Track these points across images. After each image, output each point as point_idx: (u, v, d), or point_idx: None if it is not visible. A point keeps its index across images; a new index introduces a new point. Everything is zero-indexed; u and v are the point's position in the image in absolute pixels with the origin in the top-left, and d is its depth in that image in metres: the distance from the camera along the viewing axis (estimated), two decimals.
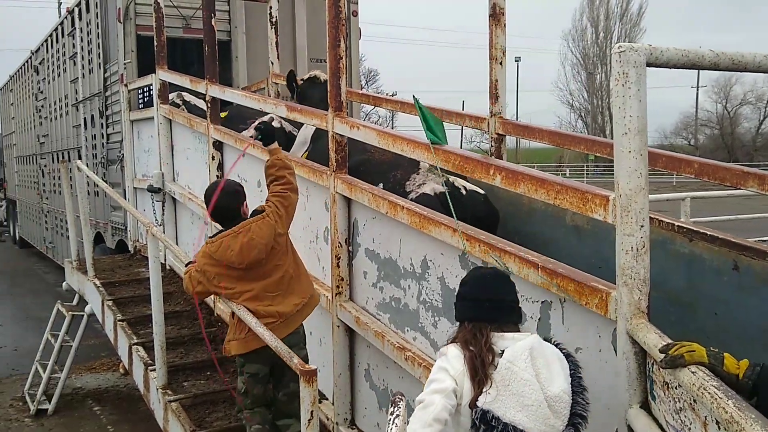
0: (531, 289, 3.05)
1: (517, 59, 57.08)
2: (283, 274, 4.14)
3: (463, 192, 4.46)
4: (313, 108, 5.11)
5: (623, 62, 2.37)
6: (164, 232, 6.98)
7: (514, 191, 3.17)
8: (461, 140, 51.41)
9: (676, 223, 3.89)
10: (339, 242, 4.43)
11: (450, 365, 2.53)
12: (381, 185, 4.63)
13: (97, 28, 9.80)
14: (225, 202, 4.18)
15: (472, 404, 2.44)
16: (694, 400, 2.01)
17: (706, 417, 1.94)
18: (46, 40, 13.53)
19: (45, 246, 15.50)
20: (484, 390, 2.43)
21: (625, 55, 2.37)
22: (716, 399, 1.85)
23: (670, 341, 2.24)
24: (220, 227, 4.25)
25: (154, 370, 5.43)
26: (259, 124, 4.62)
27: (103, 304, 6.90)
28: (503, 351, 2.51)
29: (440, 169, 3.64)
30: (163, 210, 7.58)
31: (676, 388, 2.17)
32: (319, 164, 4.81)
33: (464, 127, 6.10)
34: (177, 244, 7.26)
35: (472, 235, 3.34)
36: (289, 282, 4.16)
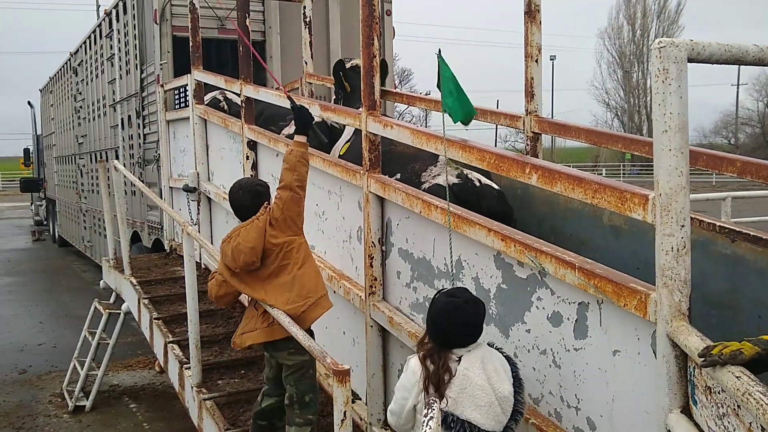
0: (568, 290, 3.00)
1: (552, 58, 56.60)
2: (290, 273, 4.09)
3: (477, 184, 4.48)
4: (347, 107, 5.10)
5: (663, 58, 2.31)
6: (199, 232, 7.03)
7: (549, 191, 3.13)
8: (495, 139, 51.15)
9: (718, 223, 3.80)
10: (372, 242, 4.41)
11: (407, 381, 3.04)
12: (399, 175, 4.77)
13: (134, 29, 9.93)
14: (244, 200, 4.25)
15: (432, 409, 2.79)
16: (738, 406, 1.95)
17: (751, 424, 1.88)
18: (85, 42, 13.74)
19: (83, 245, 15.74)
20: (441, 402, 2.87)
21: (665, 50, 2.30)
22: (762, 405, 1.79)
23: (711, 343, 2.18)
24: None
25: (189, 368, 5.46)
26: (297, 105, 4.50)
27: (139, 303, 6.97)
28: (460, 357, 2.97)
29: (458, 162, 3.58)
30: (198, 209, 7.64)
31: (719, 393, 2.11)
32: (353, 163, 4.81)
33: (499, 126, 6.03)
34: (212, 243, 7.30)
35: (507, 234, 3.29)
36: (294, 280, 4.08)
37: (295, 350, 4.00)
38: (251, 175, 6.16)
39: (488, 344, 3.14)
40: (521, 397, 3.01)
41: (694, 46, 2.36)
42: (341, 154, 5.60)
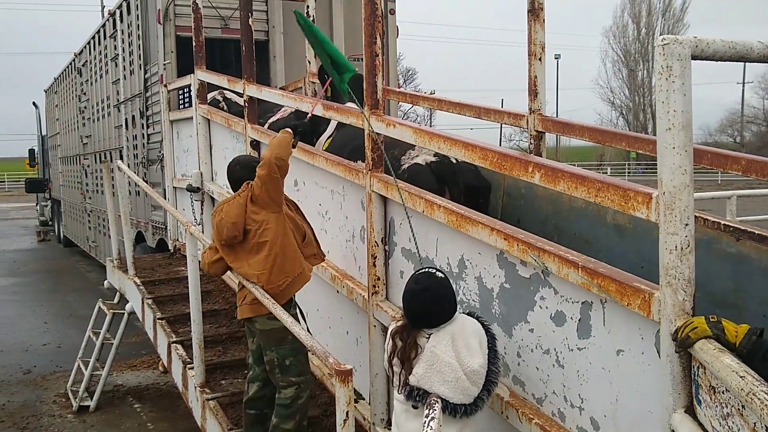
0: (571, 289, 2.98)
1: (557, 56, 56.51)
2: (269, 252, 4.28)
3: (454, 161, 4.67)
4: (350, 107, 5.09)
5: (667, 55, 2.29)
6: (203, 232, 7.03)
7: (553, 190, 3.11)
8: (500, 138, 51.10)
9: (722, 222, 3.78)
10: (375, 241, 4.40)
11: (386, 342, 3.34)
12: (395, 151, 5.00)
13: (138, 29, 9.93)
14: (239, 175, 4.53)
15: (404, 383, 3.14)
16: (743, 406, 1.93)
17: (755, 424, 1.86)
18: (89, 43, 13.76)
19: (88, 245, 15.77)
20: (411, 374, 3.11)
21: (669, 47, 2.29)
22: (766, 405, 1.77)
23: (716, 344, 2.16)
24: None
25: (193, 368, 5.46)
26: (296, 124, 4.72)
27: (143, 303, 6.97)
28: (430, 335, 3.15)
29: None
30: (202, 209, 7.64)
31: (723, 392, 2.09)
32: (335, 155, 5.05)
33: (503, 125, 6.03)
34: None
35: (510, 233, 3.27)
36: (275, 259, 4.28)
37: (272, 316, 4.12)
38: None
39: (469, 313, 3.31)
40: (495, 368, 3.16)
41: (698, 43, 2.34)
42: (324, 147, 5.72)
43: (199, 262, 5.93)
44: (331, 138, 5.82)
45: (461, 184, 4.68)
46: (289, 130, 4.53)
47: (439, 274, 3.31)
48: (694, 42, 2.33)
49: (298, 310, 4.54)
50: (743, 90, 58.60)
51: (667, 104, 2.30)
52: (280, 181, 4.37)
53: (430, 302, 3.19)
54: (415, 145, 4.63)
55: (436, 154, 4.66)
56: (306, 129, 4.76)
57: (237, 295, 4.63)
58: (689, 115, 2.33)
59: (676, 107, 2.30)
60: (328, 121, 5.85)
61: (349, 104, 5.20)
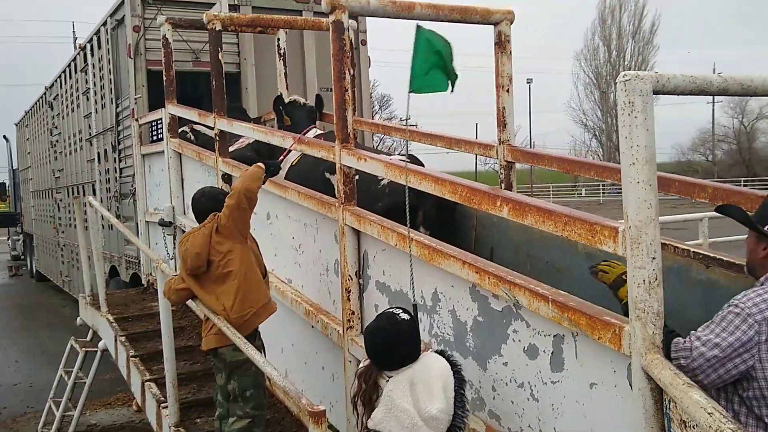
0: (543, 323, 2.98)
1: (529, 81, 57.08)
2: (234, 281, 4.35)
3: None
4: (321, 140, 5.10)
5: (629, 91, 2.32)
6: (175, 267, 6.95)
7: None
8: (476, 162, 51.40)
9: (692, 250, 3.81)
10: (349, 275, 4.38)
11: None
12: (356, 177, 5.12)
13: (109, 63, 9.89)
14: (204, 205, 4.61)
15: (364, 426, 3.10)
16: None
17: None
18: (60, 76, 13.69)
19: (61, 279, 15.55)
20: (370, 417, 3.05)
21: (631, 83, 2.32)
22: None
23: (685, 378, 2.17)
24: None
25: (167, 407, 5.37)
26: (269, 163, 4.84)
27: (116, 340, 6.86)
28: (390, 378, 3.08)
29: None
30: (174, 244, 7.57)
31: (693, 427, 2.09)
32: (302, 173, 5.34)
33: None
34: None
35: (482, 267, 3.27)
36: (238, 289, 4.35)
37: (236, 347, 4.17)
38: None
39: (441, 352, 3.22)
40: (462, 412, 3.03)
41: (659, 78, 2.38)
42: (294, 163, 5.97)
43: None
44: (299, 157, 6.01)
45: (432, 199, 4.77)
46: (262, 165, 4.59)
47: (403, 316, 3.18)
48: (656, 77, 2.36)
49: (260, 342, 4.58)
50: (713, 109, 59.59)
51: (631, 139, 2.33)
52: (248, 213, 4.46)
53: (388, 344, 3.11)
54: None
55: None
56: (277, 168, 4.83)
57: (202, 327, 4.66)
58: (652, 150, 2.35)
59: (639, 142, 2.32)
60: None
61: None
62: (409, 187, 4.30)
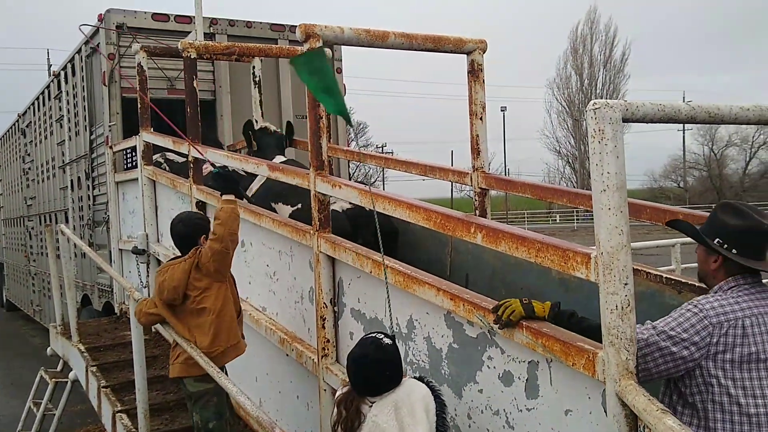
0: (518, 349, 2.98)
1: (503, 108, 57.71)
2: (210, 318, 4.39)
3: (367, 209, 4.85)
4: (296, 168, 5.11)
5: (599, 119, 2.34)
6: (149, 295, 6.87)
7: None
8: (452, 189, 51.65)
9: (664, 275, 3.85)
10: (324, 303, 4.35)
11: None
12: (300, 205, 5.56)
13: (83, 91, 9.84)
14: (183, 231, 4.64)
15: None
16: None
17: None
18: (33, 103, 13.58)
19: (32, 309, 15.28)
20: None
21: (600, 111, 2.35)
22: None
23: (659, 404, 2.17)
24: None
25: None
26: (218, 169, 4.93)
27: (87, 370, 6.74)
28: (373, 404, 3.03)
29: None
30: (147, 272, 7.48)
31: None
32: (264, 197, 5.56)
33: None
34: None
35: (456, 293, 3.27)
36: (210, 325, 4.39)
37: (200, 379, 4.32)
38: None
39: (420, 378, 3.20)
40: None
41: (628, 106, 2.41)
42: (255, 190, 6.13)
43: (146, 328, 5.81)
44: (261, 184, 6.20)
45: (372, 227, 4.90)
46: (232, 198, 4.57)
47: (386, 341, 3.18)
48: (625, 106, 2.40)
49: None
50: (684, 137, 60.67)
51: (601, 166, 2.35)
52: (231, 255, 4.49)
53: (372, 370, 3.08)
54: None
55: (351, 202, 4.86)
56: (230, 179, 4.86)
57: (170, 353, 4.69)
58: (623, 177, 2.38)
59: (609, 169, 2.34)
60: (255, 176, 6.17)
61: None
62: (346, 214, 4.41)
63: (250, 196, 6.16)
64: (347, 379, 3.27)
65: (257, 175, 6.30)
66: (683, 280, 3.77)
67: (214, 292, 4.41)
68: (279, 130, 7.40)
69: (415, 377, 3.24)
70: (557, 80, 61.18)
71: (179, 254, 4.66)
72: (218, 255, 4.37)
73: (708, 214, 3.90)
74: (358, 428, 3.03)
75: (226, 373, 4.52)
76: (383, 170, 56.03)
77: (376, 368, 3.08)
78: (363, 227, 5.04)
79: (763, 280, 2.77)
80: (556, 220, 52.33)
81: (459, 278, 5.04)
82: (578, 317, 2.99)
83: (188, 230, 4.61)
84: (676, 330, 2.53)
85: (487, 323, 3.05)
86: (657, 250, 10.11)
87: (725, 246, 2.69)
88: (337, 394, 3.27)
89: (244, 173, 6.71)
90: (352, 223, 5.03)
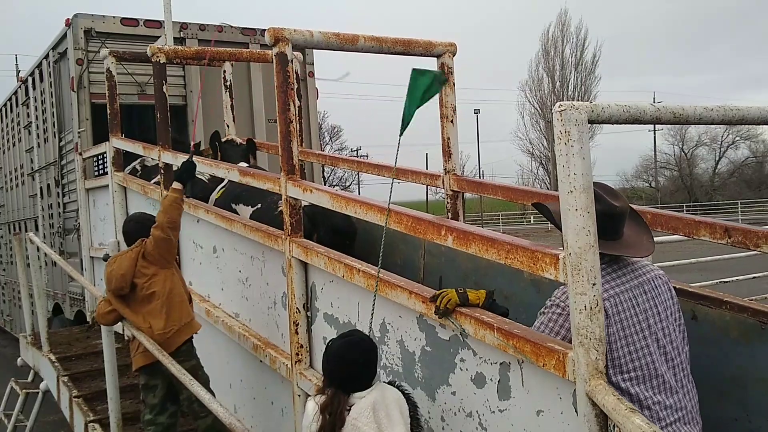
0: (489, 351, 2.98)
1: (477, 111, 57.98)
2: (160, 301, 4.63)
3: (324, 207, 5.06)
4: (265, 172, 5.09)
5: (565, 120, 2.36)
6: None
7: None
8: (426, 192, 51.75)
9: None
10: (297, 308, 4.33)
11: (304, 422, 3.14)
12: (259, 205, 5.73)
13: (51, 96, 9.74)
14: (132, 229, 4.92)
15: None
16: None
17: None
18: (1, 110, 13.39)
19: (2, 319, 15.07)
20: None
21: (567, 113, 2.36)
22: None
23: (628, 404, 2.19)
24: None
25: None
26: (189, 160, 5.06)
27: (58, 380, 6.66)
28: (351, 407, 3.02)
29: None
30: None
31: None
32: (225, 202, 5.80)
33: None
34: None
35: (428, 296, 3.27)
36: (162, 307, 4.63)
37: (183, 358, 4.58)
38: None
39: (389, 383, 3.22)
40: None
41: (594, 108, 2.42)
42: (217, 197, 6.24)
43: (119, 336, 5.76)
44: (224, 189, 6.31)
45: (329, 225, 5.16)
46: (178, 187, 4.80)
47: (360, 335, 3.25)
48: (590, 107, 2.41)
49: (196, 361, 4.82)
50: (654, 137, 61.37)
51: (568, 168, 2.36)
52: (173, 241, 4.77)
53: (362, 357, 3.10)
54: None
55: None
56: (191, 165, 5.00)
57: (130, 347, 4.90)
58: (589, 178, 2.39)
59: (576, 170, 2.36)
60: (221, 180, 6.28)
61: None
62: (304, 212, 4.46)
63: (213, 202, 6.23)
64: (320, 385, 3.26)
65: (220, 183, 6.40)
66: None
67: (162, 278, 4.65)
68: (244, 143, 7.39)
69: (386, 382, 3.24)
70: (529, 82, 61.47)
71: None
72: (160, 242, 4.63)
73: (675, 214, 3.96)
74: (339, 429, 3.01)
75: (195, 354, 4.83)
76: (358, 174, 56.11)
77: (363, 357, 3.11)
78: (320, 225, 5.15)
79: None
80: (530, 221, 52.63)
81: (432, 281, 5.03)
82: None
83: (138, 227, 4.87)
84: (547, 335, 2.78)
85: (459, 325, 3.05)
86: None
87: None
88: (318, 400, 3.14)
89: (207, 181, 6.82)
90: (309, 219, 5.05)
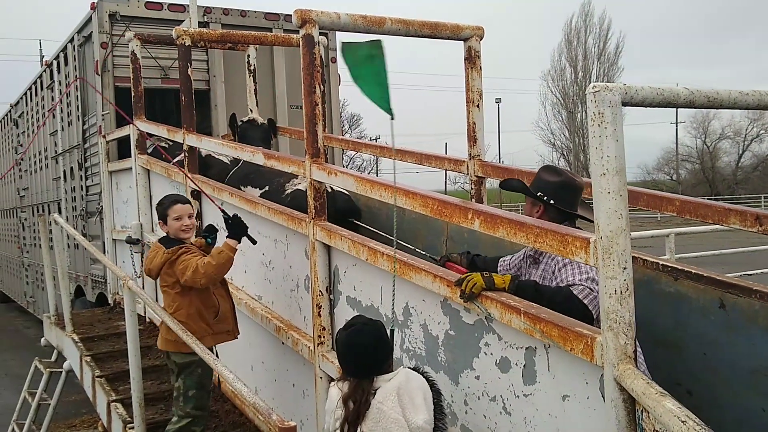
0: (514, 335, 2.97)
1: (498, 100, 57.72)
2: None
3: (330, 190, 5.03)
4: (291, 155, 5.09)
5: (598, 102, 2.33)
6: (142, 285, 6.85)
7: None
8: (445, 181, 51.64)
9: (661, 262, 3.84)
10: (320, 290, 4.34)
11: (328, 407, 3.17)
12: (267, 188, 5.86)
13: (76, 80, 9.78)
14: (158, 213, 4.87)
15: None
16: None
17: None
18: (26, 94, 13.50)
19: (26, 300, 15.24)
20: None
21: (600, 95, 2.33)
22: None
23: (658, 388, 2.17)
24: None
25: (133, 427, 5.25)
26: (228, 216, 4.70)
27: (81, 360, 6.72)
28: (376, 390, 3.03)
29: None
30: (141, 261, 7.45)
31: None
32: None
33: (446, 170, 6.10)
34: (155, 296, 7.11)
35: (453, 280, 3.26)
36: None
37: (190, 350, 4.36)
38: (196, 225, 6.04)
39: (413, 368, 3.20)
40: (442, 424, 3.05)
41: (628, 90, 2.39)
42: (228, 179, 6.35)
43: (141, 318, 5.78)
44: (234, 171, 6.47)
45: (331, 207, 5.07)
46: (235, 246, 4.55)
47: (362, 320, 3.27)
48: (624, 89, 2.38)
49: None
50: (677, 129, 60.76)
51: (601, 150, 2.33)
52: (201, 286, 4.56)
53: (375, 343, 3.12)
54: (297, 174, 4.98)
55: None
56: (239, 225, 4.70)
57: (161, 327, 4.84)
58: (622, 160, 2.36)
59: (609, 153, 2.33)
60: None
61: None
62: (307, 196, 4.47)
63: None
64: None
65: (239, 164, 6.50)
66: (680, 267, 3.76)
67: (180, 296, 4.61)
68: (265, 123, 7.37)
69: (410, 367, 3.23)
70: (552, 72, 61.10)
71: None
72: (193, 281, 4.45)
73: (704, 201, 3.91)
74: (364, 417, 3.02)
75: (217, 355, 4.67)
76: (377, 163, 56.05)
77: (374, 347, 3.12)
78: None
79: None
80: None
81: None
82: (539, 287, 3.23)
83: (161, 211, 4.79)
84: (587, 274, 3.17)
85: (484, 309, 3.04)
86: (651, 241, 10.14)
87: (545, 198, 3.50)
88: (342, 391, 3.13)
89: (227, 162, 6.90)
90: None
